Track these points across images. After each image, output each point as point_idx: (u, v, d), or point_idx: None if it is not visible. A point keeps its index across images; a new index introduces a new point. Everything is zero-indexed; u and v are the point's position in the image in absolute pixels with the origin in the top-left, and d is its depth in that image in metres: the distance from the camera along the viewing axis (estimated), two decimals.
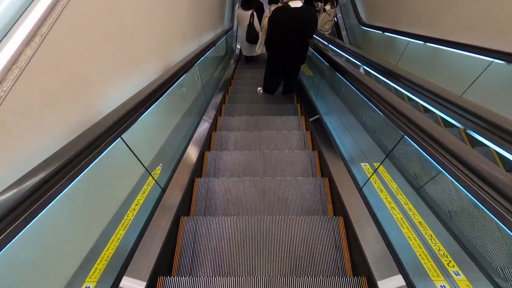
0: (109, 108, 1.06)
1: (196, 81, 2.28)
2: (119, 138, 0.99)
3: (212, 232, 1.53)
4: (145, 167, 1.28)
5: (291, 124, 2.81)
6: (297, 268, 1.39)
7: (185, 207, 1.67)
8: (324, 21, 4.79)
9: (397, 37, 3.62)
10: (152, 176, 1.35)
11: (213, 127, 2.59)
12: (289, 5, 2.44)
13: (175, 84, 1.62)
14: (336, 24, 5.91)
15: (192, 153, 1.98)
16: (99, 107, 1.08)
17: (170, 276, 1.27)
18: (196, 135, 2.17)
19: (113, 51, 1.19)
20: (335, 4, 4.70)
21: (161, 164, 1.55)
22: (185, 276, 1.25)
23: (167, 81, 1.45)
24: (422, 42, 3.03)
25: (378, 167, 1.38)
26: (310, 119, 2.52)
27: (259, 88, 3.63)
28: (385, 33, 4.00)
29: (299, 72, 3.23)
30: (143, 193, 1.32)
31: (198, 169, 2.05)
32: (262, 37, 3.27)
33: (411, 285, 1.05)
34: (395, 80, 1.70)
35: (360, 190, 1.54)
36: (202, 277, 1.25)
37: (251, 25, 4.47)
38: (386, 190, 1.37)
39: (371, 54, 2.19)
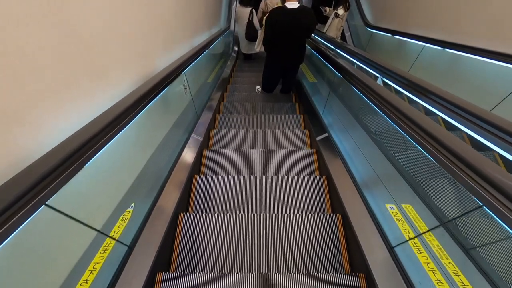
0: (49, 147, 0.72)
1: (183, 93, 1.92)
2: (42, 206, 0.65)
3: (211, 230, 1.52)
4: (97, 230, 0.94)
5: (290, 122, 2.81)
6: (295, 265, 1.39)
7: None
8: (338, 27, 4.30)
9: (409, 41, 3.31)
10: (110, 237, 1.01)
11: (205, 144, 2.25)
12: (285, 6, 2.42)
13: (144, 110, 1.20)
14: None
15: (175, 185, 1.62)
16: (34, 146, 0.74)
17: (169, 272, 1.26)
18: (180, 161, 1.82)
19: (60, 62, 0.84)
20: (348, 7, 4.19)
21: (132, 205, 1.21)
22: (184, 272, 1.25)
23: (132, 107, 1.06)
24: (440, 48, 2.72)
25: (424, 232, 1.06)
26: (317, 138, 2.19)
27: (258, 87, 3.62)
28: (395, 36, 3.68)
29: (297, 72, 3.23)
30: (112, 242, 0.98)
31: (184, 202, 1.71)
32: (260, 35, 3.18)
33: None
34: (426, 98, 1.38)
35: (390, 249, 1.21)
36: (200, 273, 1.25)
37: (250, 23, 4.37)
38: (425, 249, 1.05)
39: (388, 63, 1.85)
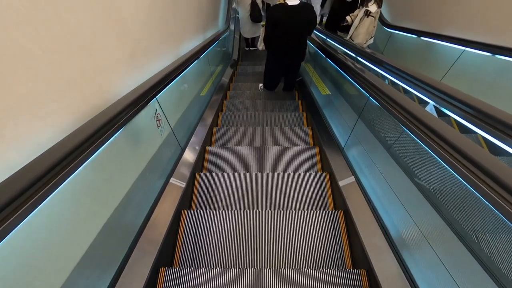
0: None
1: (156, 127, 1.41)
2: None
3: (214, 226, 1.52)
4: None
5: (293, 120, 2.79)
6: (297, 261, 1.39)
7: None
8: (369, 30, 3.25)
9: (442, 45, 2.76)
10: None
11: (189, 191, 1.76)
12: (286, 3, 2.39)
13: (82, 166, 0.77)
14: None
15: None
16: None
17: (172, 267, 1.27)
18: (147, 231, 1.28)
19: None
20: (381, 3, 3.13)
21: None
22: (186, 267, 1.25)
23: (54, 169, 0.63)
24: (489, 54, 2.17)
25: None
26: (340, 182, 1.62)
27: (260, 85, 3.58)
28: (422, 38, 3.13)
29: (299, 69, 3.20)
30: None
31: None
32: (263, 32, 3.08)
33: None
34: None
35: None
36: (203, 268, 1.25)
37: (253, 3, 4.27)
38: None
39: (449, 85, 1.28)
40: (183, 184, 1.56)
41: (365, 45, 3.36)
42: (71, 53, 0.87)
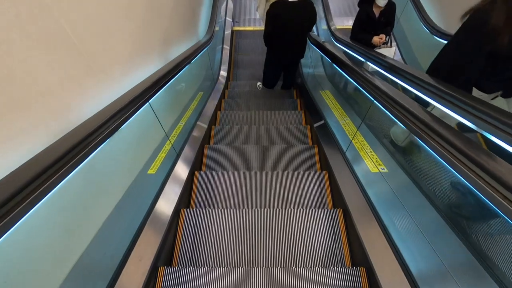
0: None
1: None
2: None
3: (212, 225, 1.51)
4: None
5: (291, 118, 2.78)
6: (296, 259, 1.38)
7: None
8: None
9: None
10: None
11: None
12: None
13: None
14: None
15: None
16: None
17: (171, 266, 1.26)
18: None
19: None
20: None
21: None
22: (186, 267, 1.25)
23: None
24: None
25: None
26: None
27: (259, 83, 3.55)
28: None
29: (298, 67, 3.22)
30: None
31: None
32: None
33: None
34: None
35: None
36: (202, 267, 1.25)
37: None
38: None
39: None
40: None
41: None
42: None
